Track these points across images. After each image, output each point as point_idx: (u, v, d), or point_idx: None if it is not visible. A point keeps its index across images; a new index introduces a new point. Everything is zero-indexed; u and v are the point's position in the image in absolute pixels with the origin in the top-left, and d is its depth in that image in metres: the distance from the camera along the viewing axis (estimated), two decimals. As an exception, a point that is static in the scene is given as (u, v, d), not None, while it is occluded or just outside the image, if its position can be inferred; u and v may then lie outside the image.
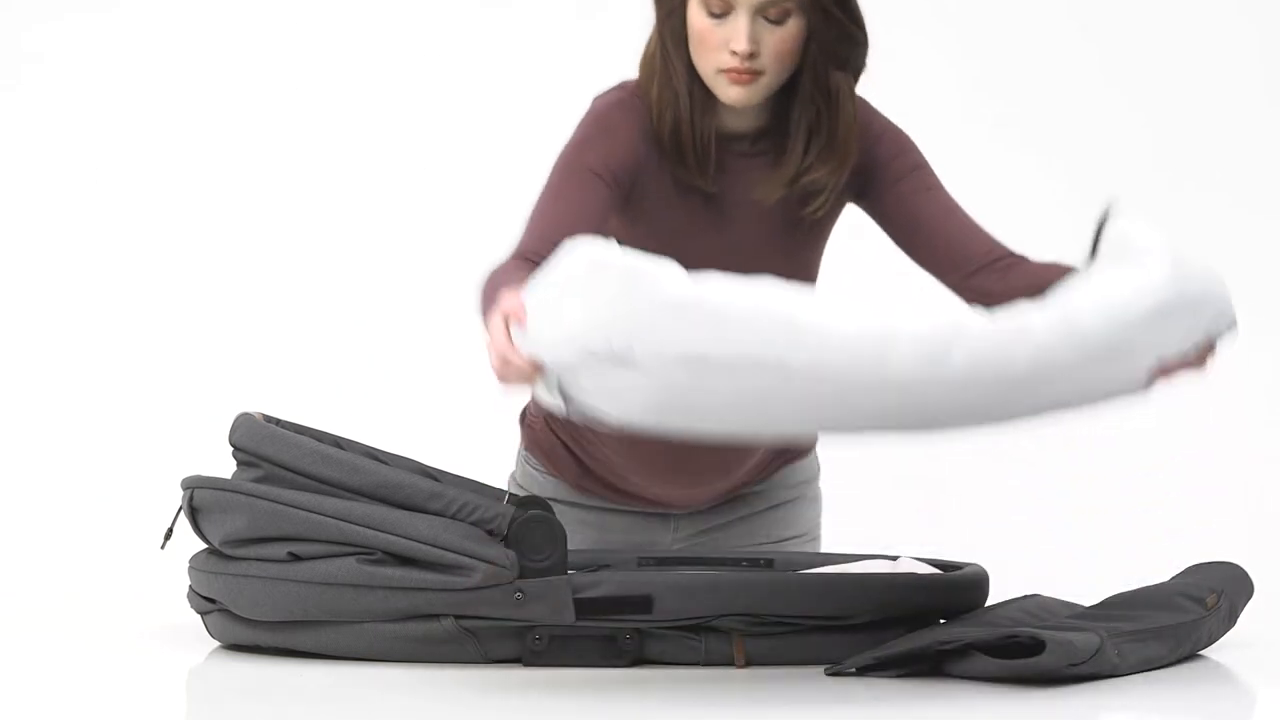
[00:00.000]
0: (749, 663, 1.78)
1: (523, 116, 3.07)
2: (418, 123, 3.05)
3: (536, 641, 1.76)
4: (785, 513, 2.23)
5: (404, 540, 1.74)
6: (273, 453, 1.81)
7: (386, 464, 1.87)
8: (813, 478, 2.28)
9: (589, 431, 2.12)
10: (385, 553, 1.75)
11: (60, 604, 2.30)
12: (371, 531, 1.75)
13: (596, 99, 2.03)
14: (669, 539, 2.20)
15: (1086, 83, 3.20)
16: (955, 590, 1.87)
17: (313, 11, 3.16)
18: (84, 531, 2.79)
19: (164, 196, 3.10)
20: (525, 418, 2.24)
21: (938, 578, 1.86)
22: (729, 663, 1.78)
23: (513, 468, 2.24)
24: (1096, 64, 3.19)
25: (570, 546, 1.90)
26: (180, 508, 1.85)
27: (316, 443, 1.82)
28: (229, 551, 1.80)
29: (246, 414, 1.86)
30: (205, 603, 1.86)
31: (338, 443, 1.90)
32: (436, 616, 1.76)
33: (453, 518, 1.77)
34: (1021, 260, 2.02)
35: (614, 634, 1.77)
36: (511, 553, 1.75)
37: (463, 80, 3.04)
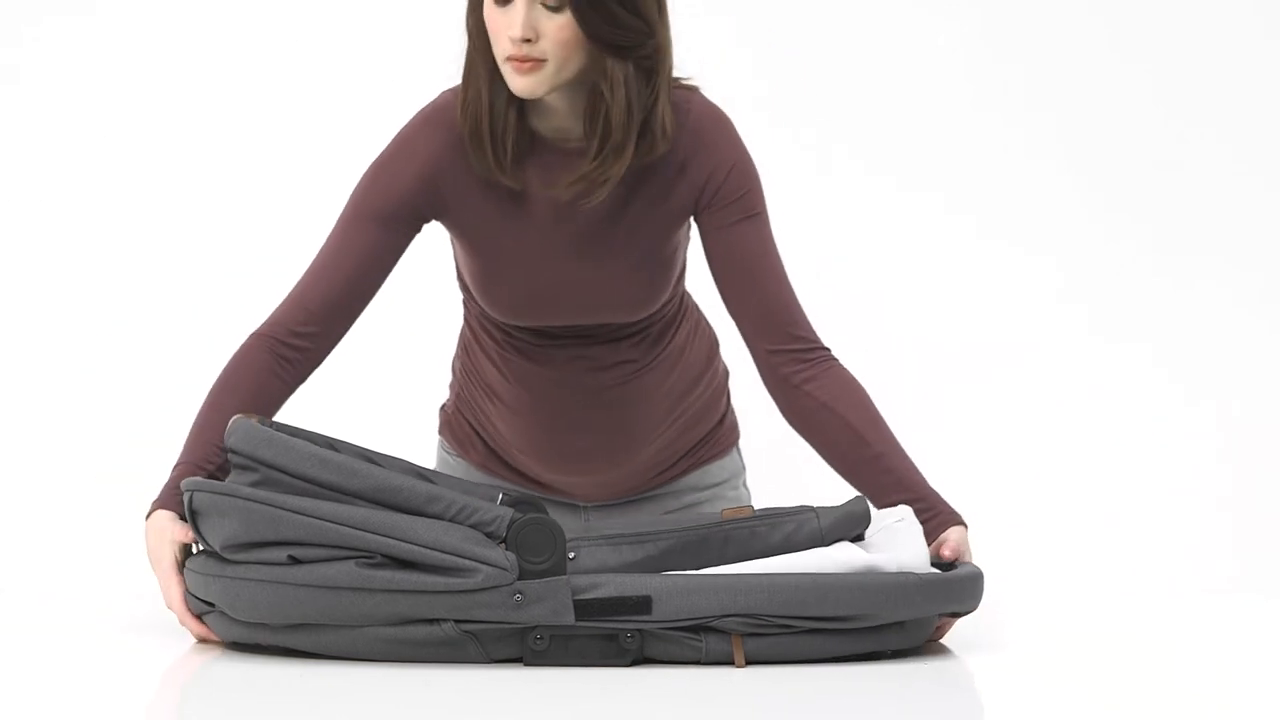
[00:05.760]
0: (749, 662, 1.78)
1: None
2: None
3: (538, 641, 1.75)
4: (699, 511, 2.23)
5: (403, 544, 1.73)
6: (269, 456, 1.79)
7: (381, 465, 1.86)
8: (732, 476, 2.29)
9: (491, 409, 2.17)
10: (384, 556, 1.73)
11: (59, 604, 2.29)
12: (370, 535, 1.73)
13: (419, 111, 2.06)
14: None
15: (1096, 69, 3.20)
16: (956, 589, 1.85)
17: (305, 13, 3.16)
18: (82, 532, 2.79)
19: (160, 200, 3.10)
20: (443, 406, 2.26)
21: (938, 577, 1.84)
22: (729, 662, 1.78)
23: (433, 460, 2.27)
24: (1106, 50, 3.19)
25: None
26: (186, 510, 1.84)
27: (313, 446, 1.81)
28: (228, 555, 1.79)
29: (242, 417, 1.85)
30: (202, 604, 1.86)
31: (332, 444, 1.88)
32: (436, 620, 1.75)
33: (451, 520, 1.76)
34: (825, 360, 2.05)
35: (615, 633, 1.76)
36: (511, 555, 1.74)
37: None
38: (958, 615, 1.89)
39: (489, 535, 1.75)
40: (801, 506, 1.89)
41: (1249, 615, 2.30)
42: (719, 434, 2.26)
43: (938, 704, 1.69)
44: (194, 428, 1.98)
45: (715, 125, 2.05)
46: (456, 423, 2.24)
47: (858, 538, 1.88)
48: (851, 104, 3.15)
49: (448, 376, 2.30)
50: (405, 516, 1.75)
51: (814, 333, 2.07)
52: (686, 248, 2.13)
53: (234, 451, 1.82)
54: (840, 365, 2.06)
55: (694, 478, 2.25)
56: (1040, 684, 1.77)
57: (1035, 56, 3.17)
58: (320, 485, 1.77)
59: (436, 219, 2.06)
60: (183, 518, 1.88)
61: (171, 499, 1.90)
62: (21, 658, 1.93)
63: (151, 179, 3.10)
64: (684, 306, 2.20)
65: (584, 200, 1.99)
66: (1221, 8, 3.17)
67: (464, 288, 2.16)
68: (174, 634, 1.94)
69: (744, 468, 2.31)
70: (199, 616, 1.88)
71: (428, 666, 1.76)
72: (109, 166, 3.10)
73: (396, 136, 2.05)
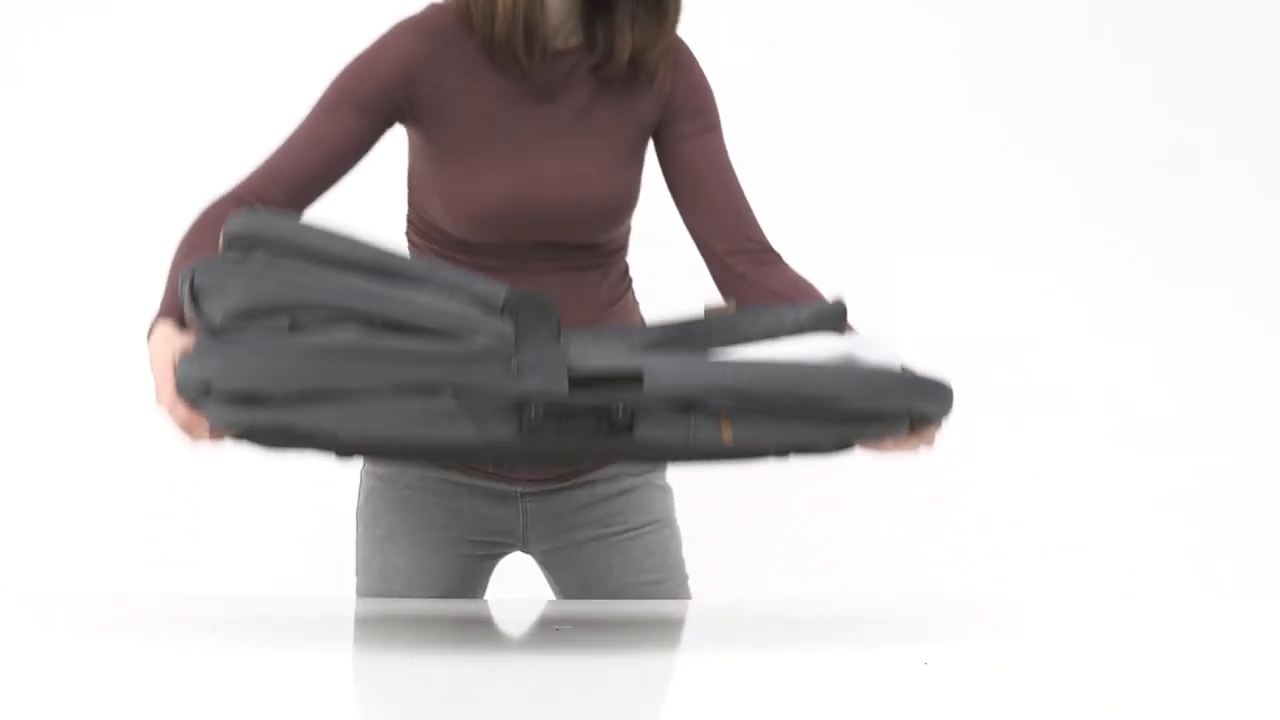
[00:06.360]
0: (735, 441, 1.77)
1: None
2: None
3: (533, 418, 1.72)
4: (636, 499, 2.30)
5: (405, 309, 1.72)
6: (271, 233, 1.79)
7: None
8: (659, 466, 2.34)
9: None
10: (387, 323, 1.71)
11: (59, 603, 2.29)
12: (372, 301, 1.72)
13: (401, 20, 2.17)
14: (520, 523, 2.28)
15: (1096, 69, 3.20)
16: (930, 389, 1.88)
17: (305, 14, 3.16)
18: (82, 532, 2.79)
19: (160, 200, 3.10)
20: None
21: (914, 374, 1.88)
22: (715, 441, 1.77)
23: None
24: (1107, 50, 3.19)
25: (421, 528, 2.05)
26: (186, 296, 1.81)
27: (314, 223, 1.81)
28: (229, 326, 1.75)
29: (239, 210, 1.86)
30: (198, 391, 1.78)
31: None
32: (435, 391, 1.70)
33: (450, 292, 1.76)
34: (778, 262, 2.17)
35: (608, 408, 1.73)
36: (509, 324, 1.72)
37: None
38: (928, 421, 1.90)
39: (487, 308, 1.75)
40: (781, 304, 1.98)
41: (1249, 615, 2.30)
42: None
43: (937, 704, 1.69)
44: (171, 278, 1.97)
45: (678, 44, 2.21)
46: None
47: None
48: (850, 104, 3.15)
49: None
50: (407, 286, 1.75)
51: (766, 238, 2.19)
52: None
53: (235, 237, 1.81)
54: (790, 267, 2.16)
55: (623, 463, 2.29)
56: (1040, 684, 1.77)
57: (1036, 57, 3.17)
58: (323, 256, 1.77)
59: (411, 116, 2.13)
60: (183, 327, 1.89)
61: (172, 310, 1.91)
62: (21, 658, 1.93)
63: (152, 179, 3.10)
64: (627, 266, 2.29)
65: (652, 68, 2.15)
66: (1222, 8, 3.17)
67: (417, 219, 2.20)
68: (174, 634, 1.95)
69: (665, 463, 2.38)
70: (191, 406, 1.82)
71: (428, 657, 1.76)
72: (109, 166, 3.10)
73: (379, 36, 2.15)
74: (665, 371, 1.74)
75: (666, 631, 2.07)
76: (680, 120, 2.19)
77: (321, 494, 3.16)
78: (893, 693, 1.72)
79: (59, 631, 2.06)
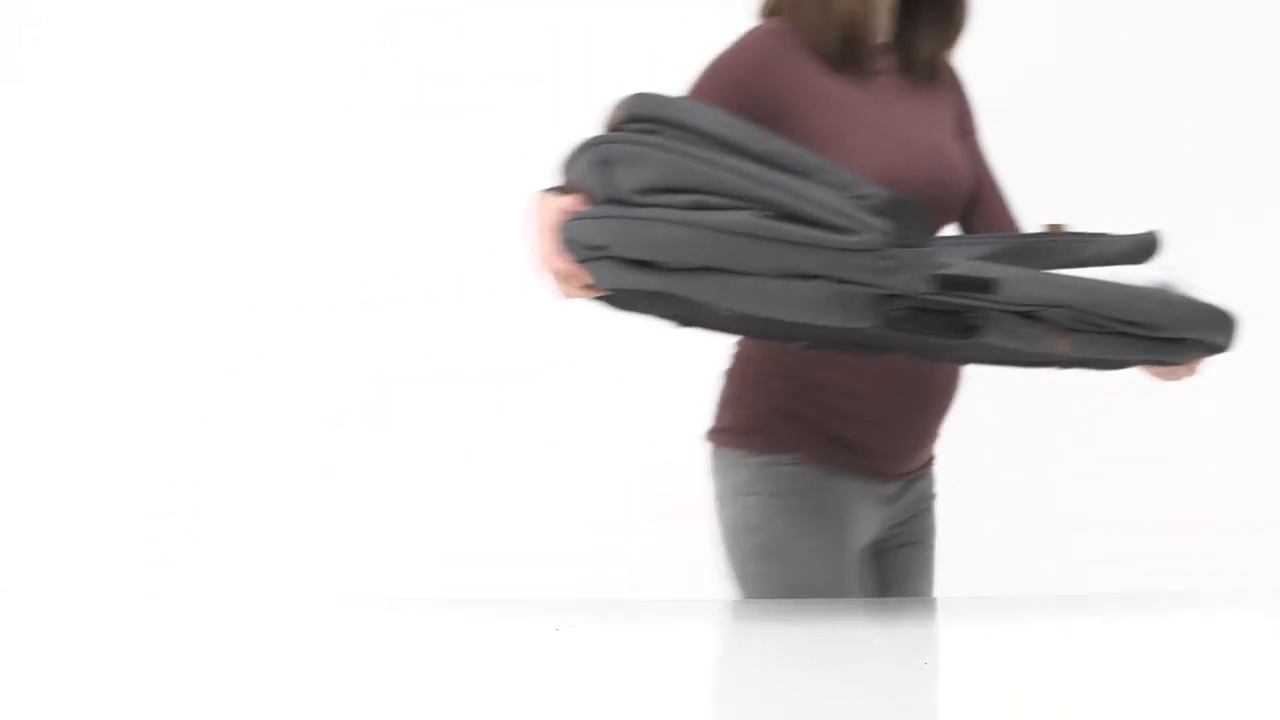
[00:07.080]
0: (1069, 350, 1.88)
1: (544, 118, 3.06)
2: (437, 123, 3.05)
3: (896, 311, 1.83)
4: (934, 515, 2.44)
5: (798, 201, 1.81)
6: (672, 115, 1.89)
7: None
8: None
9: (839, 377, 2.29)
10: (780, 210, 1.81)
11: (59, 603, 2.29)
12: (770, 190, 1.82)
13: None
14: (880, 527, 2.36)
15: (1095, 67, 3.20)
16: (1226, 321, 1.98)
17: (306, 15, 3.15)
18: (82, 532, 2.79)
19: (161, 200, 3.09)
20: (730, 424, 2.35)
21: (1222, 310, 1.97)
22: (1048, 350, 1.88)
23: (729, 505, 2.32)
24: (1106, 51, 3.19)
25: (819, 532, 2.14)
26: (592, 163, 1.90)
27: (709, 108, 1.91)
28: (638, 199, 1.87)
29: (638, 92, 1.95)
30: (589, 252, 1.92)
31: None
32: (813, 277, 1.82)
33: (835, 187, 1.84)
34: None
35: (961, 310, 1.85)
36: (886, 224, 1.81)
37: (481, 86, 3.04)
38: (1214, 351, 2.01)
39: (868, 207, 1.84)
40: (1105, 233, 2.16)
41: (1249, 615, 2.30)
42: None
43: (937, 703, 1.69)
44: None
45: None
46: (782, 426, 2.31)
47: None
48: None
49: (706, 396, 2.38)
50: (799, 179, 1.84)
51: (1015, 222, 2.40)
52: None
53: (635, 116, 1.92)
54: None
55: (931, 477, 2.42)
56: (1041, 684, 1.77)
57: (1029, 55, 3.16)
58: (723, 142, 1.87)
59: (768, 110, 2.22)
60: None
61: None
62: (21, 658, 1.93)
63: (152, 179, 3.10)
64: None
65: (943, 65, 2.36)
66: (1221, 8, 3.16)
67: None
68: (174, 634, 1.95)
69: None
70: (579, 265, 1.96)
71: (427, 654, 1.76)
72: (109, 166, 3.10)
73: (732, 41, 2.25)
74: (1019, 282, 1.85)
75: (664, 626, 2.07)
76: (969, 117, 2.40)
77: (321, 494, 3.16)
78: (892, 692, 1.72)
79: (59, 631, 2.06)
